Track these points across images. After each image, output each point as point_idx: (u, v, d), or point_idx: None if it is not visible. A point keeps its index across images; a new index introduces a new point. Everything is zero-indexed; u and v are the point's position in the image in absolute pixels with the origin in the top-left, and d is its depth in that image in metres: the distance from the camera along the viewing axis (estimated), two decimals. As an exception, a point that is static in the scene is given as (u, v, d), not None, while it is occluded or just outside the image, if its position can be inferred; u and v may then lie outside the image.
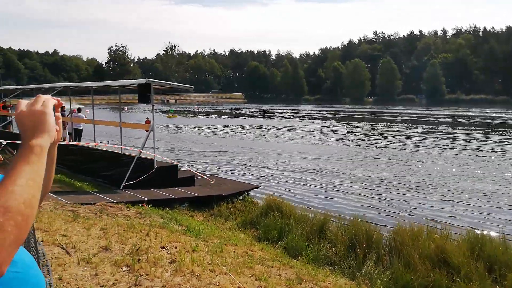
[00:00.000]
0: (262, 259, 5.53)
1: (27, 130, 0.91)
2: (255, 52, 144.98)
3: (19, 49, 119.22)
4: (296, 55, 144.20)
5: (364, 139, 24.94)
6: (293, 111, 61.85)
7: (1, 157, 3.73)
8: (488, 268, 5.52)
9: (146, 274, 3.86)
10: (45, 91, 15.31)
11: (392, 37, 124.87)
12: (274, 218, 7.78)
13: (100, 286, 3.53)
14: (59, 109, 1.12)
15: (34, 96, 1.01)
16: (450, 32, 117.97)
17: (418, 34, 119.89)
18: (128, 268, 3.96)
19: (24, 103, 0.99)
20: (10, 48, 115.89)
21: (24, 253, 1.00)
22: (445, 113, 53.83)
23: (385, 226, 8.30)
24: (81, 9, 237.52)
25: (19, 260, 0.91)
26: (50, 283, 2.46)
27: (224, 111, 62.89)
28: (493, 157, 17.71)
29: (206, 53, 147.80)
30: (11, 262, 0.78)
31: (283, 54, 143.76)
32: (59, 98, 1.10)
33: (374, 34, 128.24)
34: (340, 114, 53.62)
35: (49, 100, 0.99)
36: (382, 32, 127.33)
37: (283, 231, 7.35)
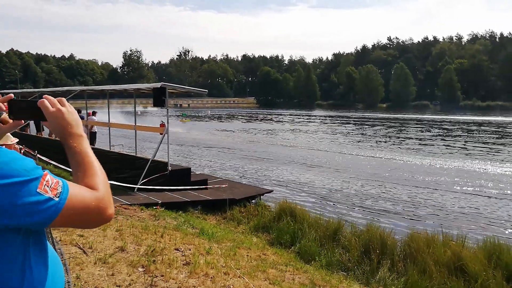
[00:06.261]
0: (276, 263, 5.52)
1: (73, 126, 1.13)
2: (268, 57, 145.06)
3: (36, 53, 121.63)
4: (309, 60, 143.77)
5: (379, 146, 24.73)
6: (306, 116, 61.67)
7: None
8: (506, 278, 5.42)
9: (162, 275, 3.90)
10: (63, 94, 15.60)
11: (406, 43, 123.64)
12: (287, 223, 7.77)
13: (117, 286, 3.57)
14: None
15: None
16: (465, 38, 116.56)
17: (433, 39, 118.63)
18: (144, 269, 4.00)
19: (51, 104, 1.11)
20: (28, 52, 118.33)
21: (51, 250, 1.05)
22: (459, 118, 53.07)
23: (399, 232, 8.20)
24: (99, 15, 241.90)
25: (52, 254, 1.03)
26: (68, 282, 2.50)
27: (236, 115, 63.05)
28: None
29: (219, 58, 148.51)
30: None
31: (296, 59, 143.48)
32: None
33: (388, 40, 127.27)
34: (353, 120, 53.27)
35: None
36: (397, 38, 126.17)
37: (296, 235, 7.34)
